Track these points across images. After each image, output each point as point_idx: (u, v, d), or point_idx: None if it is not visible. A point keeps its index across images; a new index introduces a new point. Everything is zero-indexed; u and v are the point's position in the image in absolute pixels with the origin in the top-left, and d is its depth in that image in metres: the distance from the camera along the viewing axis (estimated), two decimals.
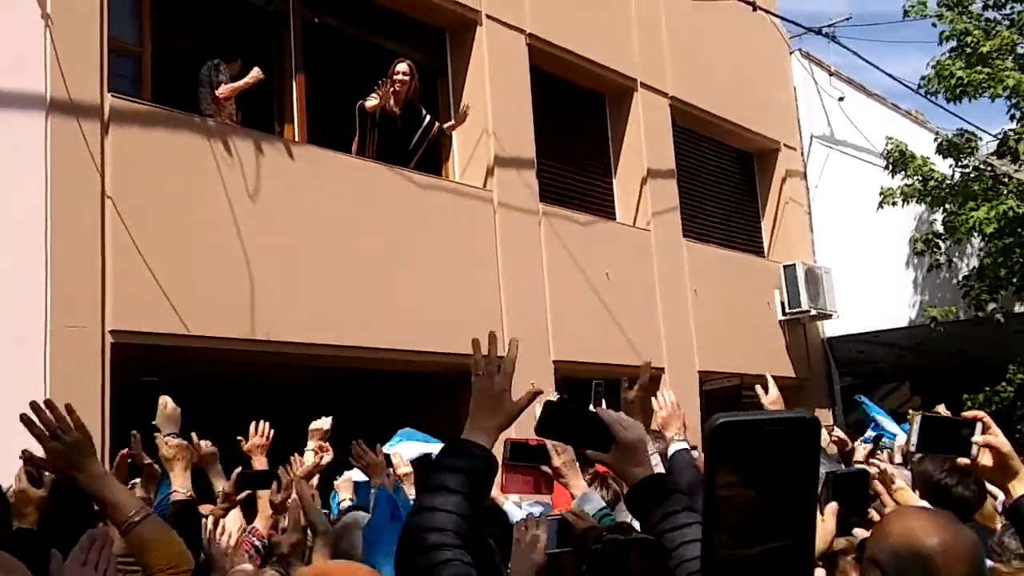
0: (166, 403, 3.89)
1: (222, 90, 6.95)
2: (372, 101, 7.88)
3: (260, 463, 4.68)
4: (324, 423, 5.12)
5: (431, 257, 7.95)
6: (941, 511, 2.14)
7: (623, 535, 1.95)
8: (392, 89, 8.03)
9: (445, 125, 8.70)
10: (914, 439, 2.41)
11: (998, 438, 2.31)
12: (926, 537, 1.76)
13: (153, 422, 3.88)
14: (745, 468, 1.06)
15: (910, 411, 6.87)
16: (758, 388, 4.53)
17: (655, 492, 2.06)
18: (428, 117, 8.45)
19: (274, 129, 7.56)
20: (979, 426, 2.33)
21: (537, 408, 2.20)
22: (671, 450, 3.88)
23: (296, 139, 7.55)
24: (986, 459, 2.32)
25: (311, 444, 5.03)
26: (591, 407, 4.69)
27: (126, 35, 6.80)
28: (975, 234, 10.92)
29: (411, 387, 8.57)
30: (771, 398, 4.44)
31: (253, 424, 4.83)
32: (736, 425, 1.06)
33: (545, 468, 3.72)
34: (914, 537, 1.75)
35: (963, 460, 2.41)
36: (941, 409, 4.93)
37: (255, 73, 6.96)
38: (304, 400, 7.91)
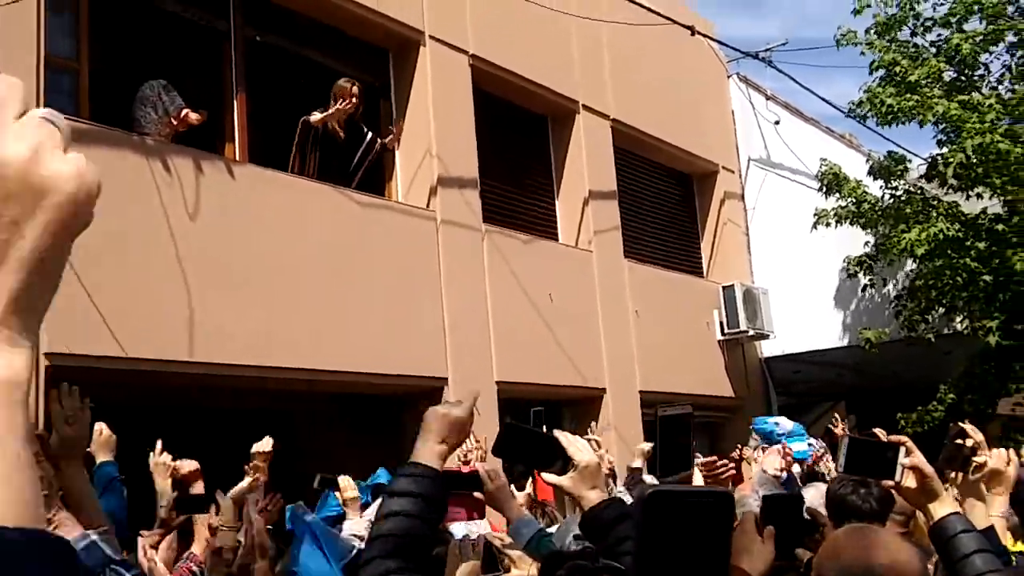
0: (101, 430, 3.81)
1: (182, 120, 6.87)
2: (317, 115, 7.83)
3: (197, 488, 4.61)
4: (266, 445, 5.04)
5: (374, 277, 7.90)
6: (887, 529, 2.19)
7: (590, 562, 1.95)
8: (344, 107, 8.01)
9: (387, 140, 8.67)
10: (841, 461, 2.46)
11: (921, 461, 2.39)
12: (876, 555, 1.78)
13: (88, 449, 3.79)
14: (672, 532, 1.18)
15: (829, 423, 7.04)
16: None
17: (611, 516, 2.07)
18: (370, 135, 8.42)
19: (214, 148, 7.45)
20: (903, 449, 2.40)
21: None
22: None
23: (237, 158, 7.45)
24: (910, 481, 2.39)
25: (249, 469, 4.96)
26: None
27: (63, 51, 6.67)
28: (907, 256, 11.19)
29: (355, 408, 8.50)
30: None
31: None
32: (668, 495, 1.19)
33: (478, 495, 3.70)
34: (864, 555, 1.77)
35: (888, 482, 2.50)
36: (880, 433, 5.04)
37: (197, 116, 6.89)
38: (246, 423, 7.78)
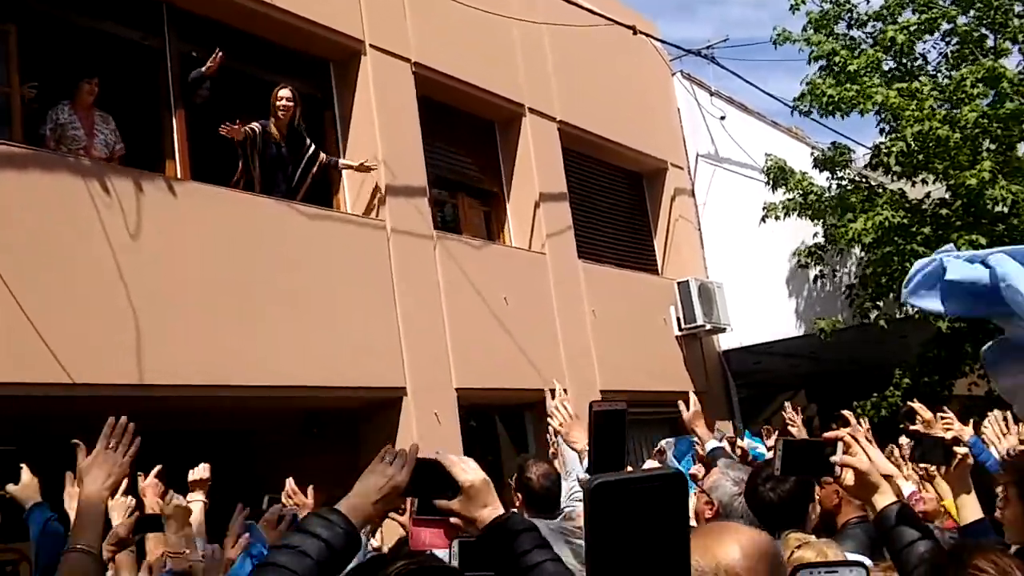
0: (25, 473, 3.73)
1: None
2: (238, 126, 7.72)
3: (152, 506, 4.53)
4: (203, 472, 4.90)
5: (326, 290, 7.82)
6: (733, 523, 2.16)
7: None
8: (276, 115, 7.94)
9: (341, 162, 8.60)
10: (778, 463, 2.46)
11: (856, 457, 2.40)
12: (725, 550, 1.73)
13: (4, 494, 3.72)
14: (623, 522, 1.14)
15: (785, 416, 7.11)
16: (680, 404, 4.95)
17: (507, 532, 2.02)
18: (312, 147, 8.33)
19: (155, 167, 7.33)
20: (839, 446, 2.41)
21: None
22: (585, 464, 3.89)
23: (178, 176, 7.34)
24: (849, 478, 2.40)
25: (194, 495, 4.84)
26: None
27: None
28: (855, 244, 11.32)
29: (314, 422, 8.41)
30: (689, 414, 4.88)
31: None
32: (613, 484, 1.15)
33: (455, 520, 3.66)
34: (711, 552, 1.73)
35: (827, 480, 2.51)
36: (849, 415, 5.09)
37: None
38: (203, 445, 7.66)
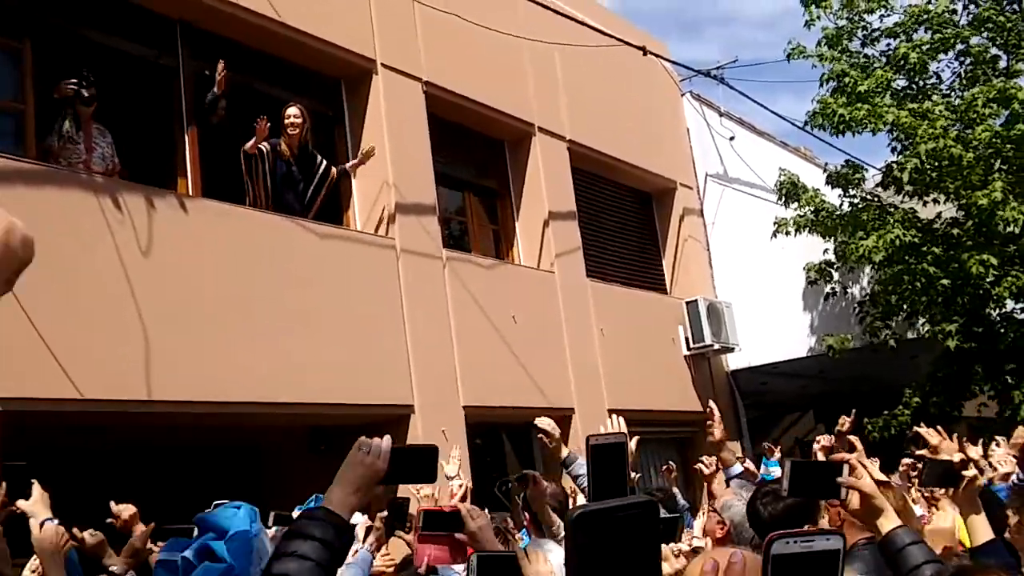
0: (33, 487, 3.72)
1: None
2: (249, 143, 7.79)
3: (136, 531, 4.44)
4: (128, 509, 4.64)
5: (335, 307, 7.84)
6: (735, 549, 2.17)
7: None
8: (285, 133, 7.99)
9: (347, 165, 8.62)
10: (786, 483, 2.46)
11: (861, 480, 2.41)
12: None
13: (15, 509, 3.73)
14: (602, 548, 1.19)
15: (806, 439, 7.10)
16: (715, 425, 5.11)
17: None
18: (324, 163, 8.38)
19: (166, 184, 7.37)
20: (845, 468, 2.41)
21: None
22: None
23: (190, 193, 7.38)
24: (854, 501, 2.41)
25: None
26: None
27: (7, 92, 6.59)
28: (865, 262, 11.30)
29: (321, 439, 8.41)
30: (716, 439, 5.05)
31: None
32: (594, 514, 1.20)
33: (459, 536, 3.69)
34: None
35: (834, 502, 2.50)
36: (856, 441, 5.09)
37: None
38: (210, 461, 7.69)
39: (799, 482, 2.45)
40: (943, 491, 3.58)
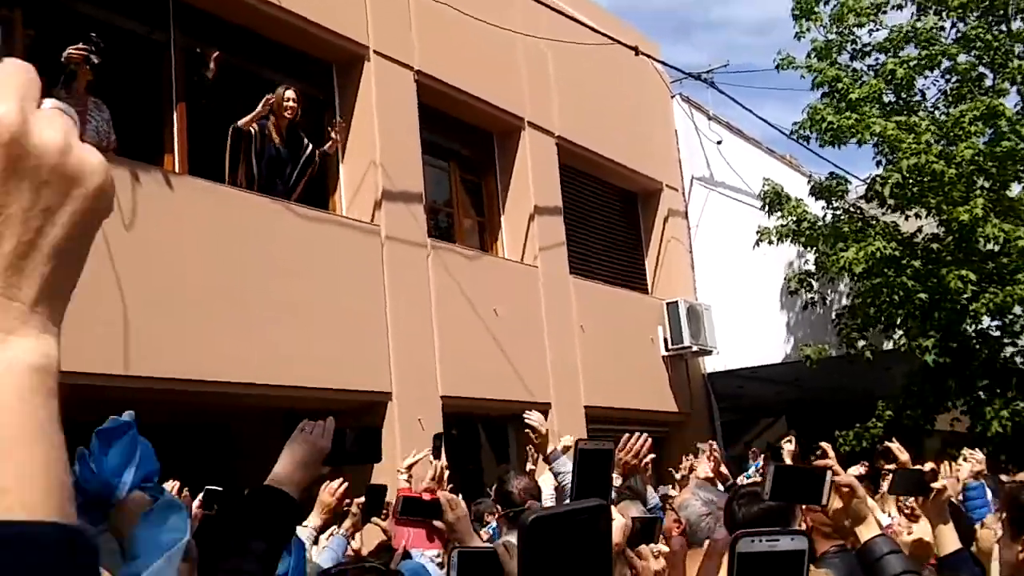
0: None
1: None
2: (244, 120, 7.77)
3: None
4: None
5: (317, 291, 7.83)
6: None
7: None
8: (282, 115, 7.95)
9: (327, 146, 8.54)
10: (767, 488, 2.49)
11: (852, 480, 2.44)
12: None
13: None
14: (555, 551, 1.22)
15: (777, 444, 7.18)
16: (704, 451, 5.13)
17: None
18: (310, 147, 8.34)
19: (153, 159, 7.34)
20: (829, 475, 2.45)
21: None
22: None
23: (176, 170, 7.35)
24: (836, 505, 2.45)
25: None
26: (431, 458, 4.93)
27: None
28: (845, 274, 11.39)
29: (293, 423, 8.38)
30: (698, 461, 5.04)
31: None
32: (548, 519, 1.24)
33: (437, 523, 3.71)
34: None
35: (814, 507, 2.54)
36: (828, 448, 5.15)
37: None
38: (184, 438, 7.66)
39: (781, 486, 2.48)
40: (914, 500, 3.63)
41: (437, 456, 5.03)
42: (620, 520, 1.86)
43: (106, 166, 0.66)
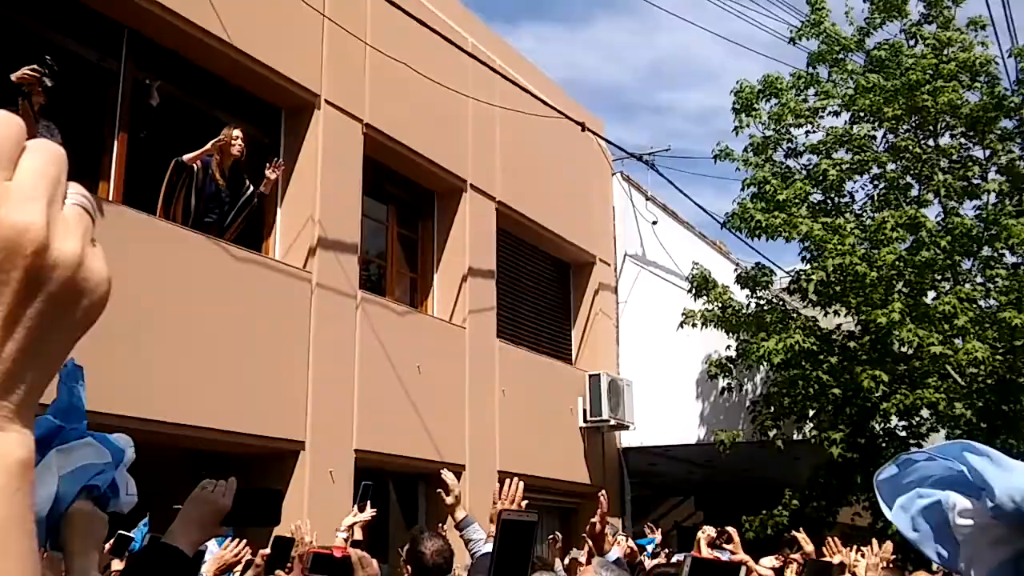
0: None
1: None
2: (190, 155, 7.76)
3: None
4: None
5: (241, 333, 7.77)
6: None
7: None
8: (227, 153, 7.94)
9: (261, 186, 8.50)
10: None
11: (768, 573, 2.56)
12: None
13: None
14: None
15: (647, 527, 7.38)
16: (598, 513, 4.83)
17: None
18: (251, 189, 8.34)
19: (88, 186, 7.24)
20: (743, 570, 2.57)
21: None
22: (483, 549, 3.98)
23: (111, 198, 7.28)
24: None
25: None
26: (355, 507, 4.88)
27: None
28: (764, 363, 11.67)
29: (205, 465, 8.23)
30: (598, 520, 4.78)
31: None
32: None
33: None
34: None
35: None
36: (734, 533, 5.28)
37: None
38: None
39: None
40: None
41: (363, 507, 4.99)
42: None
43: (109, 277, 0.66)
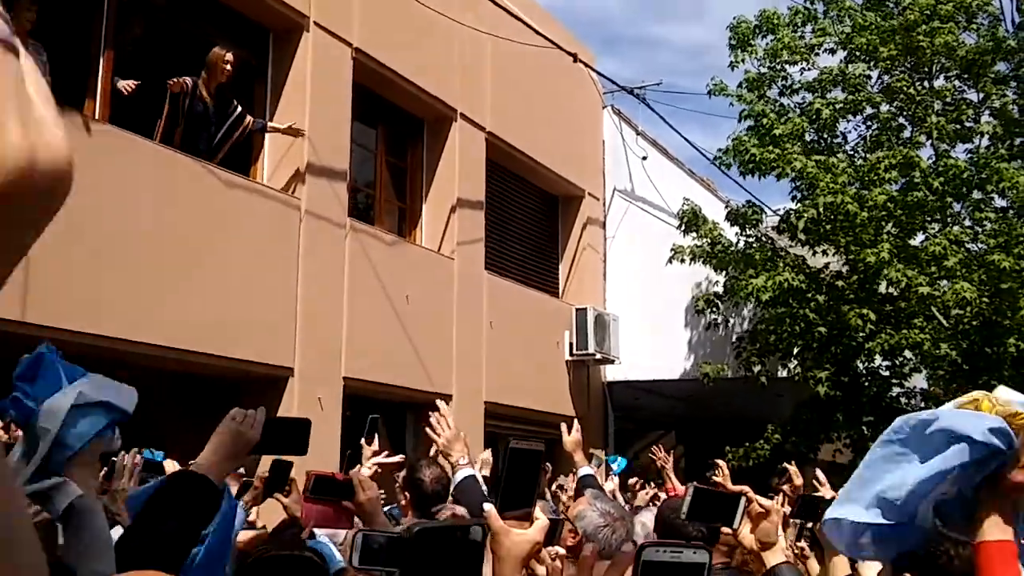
0: None
1: None
2: (176, 79, 7.62)
3: None
4: None
5: (229, 257, 7.69)
6: None
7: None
8: (215, 75, 7.80)
9: (269, 125, 8.46)
10: (685, 507, 2.60)
11: (772, 506, 2.56)
12: None
13: None
14: (435, 561, 1.33)
15: (650, 455, 7.52)
16: (563, 426, 5.04)
17: None
18: (239, 110, 8.20)
19: (74, 104, 7.09)
20: (743, 499, 2.57)
21: None
22: (458, 477, 3.92)
23: (96, 116, 7.13)
24: (746, 531, 2.54)
25: None
26: (363, 440, 4.85)
27: None
28: (752, 300, 11.70)
29: (192, 389, 8.22)
30: (570, 440, 4.97)
31: None
32: (431, 531, 1.35)
33: (347, 504, 3.66)
34: None
35: (726, 529, 2.67)
36: (723, 465, 5.33)
37: None
38: None
39: (698, 507, 2.60)
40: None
41: (370, 440, 4.96)
42: (542, 520, 1.89)
43: (69, 156, 0.61)
